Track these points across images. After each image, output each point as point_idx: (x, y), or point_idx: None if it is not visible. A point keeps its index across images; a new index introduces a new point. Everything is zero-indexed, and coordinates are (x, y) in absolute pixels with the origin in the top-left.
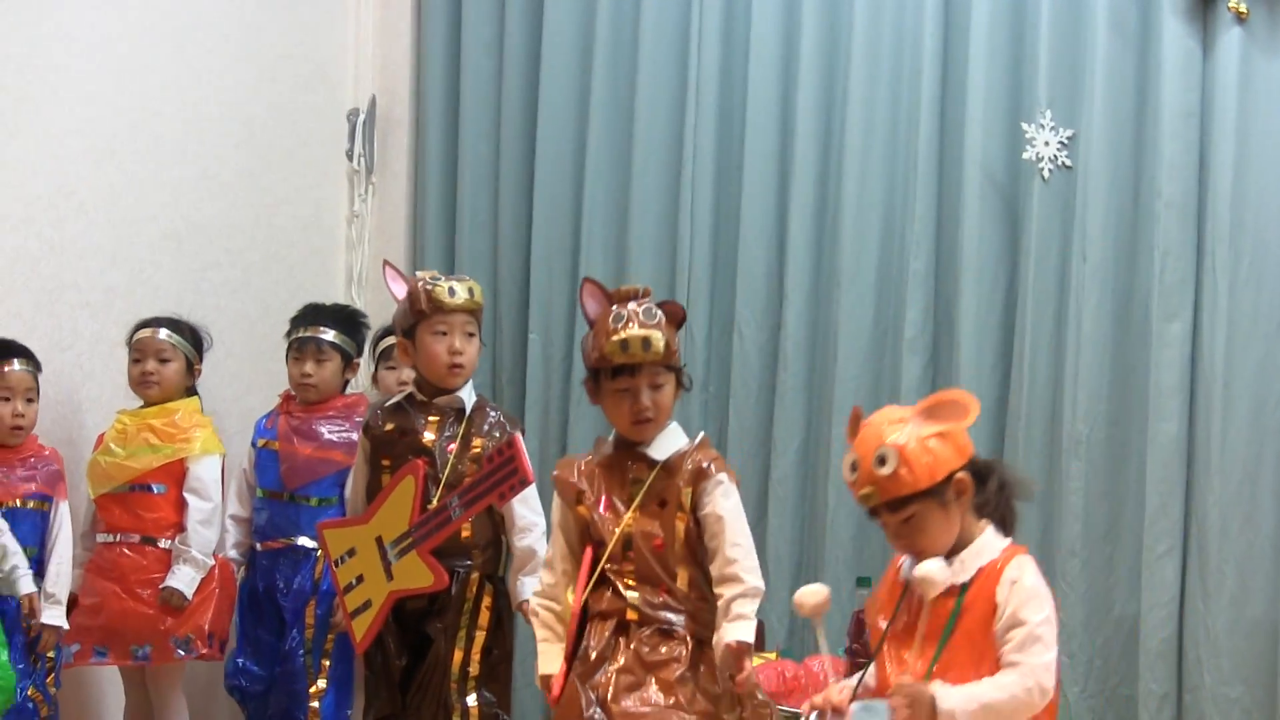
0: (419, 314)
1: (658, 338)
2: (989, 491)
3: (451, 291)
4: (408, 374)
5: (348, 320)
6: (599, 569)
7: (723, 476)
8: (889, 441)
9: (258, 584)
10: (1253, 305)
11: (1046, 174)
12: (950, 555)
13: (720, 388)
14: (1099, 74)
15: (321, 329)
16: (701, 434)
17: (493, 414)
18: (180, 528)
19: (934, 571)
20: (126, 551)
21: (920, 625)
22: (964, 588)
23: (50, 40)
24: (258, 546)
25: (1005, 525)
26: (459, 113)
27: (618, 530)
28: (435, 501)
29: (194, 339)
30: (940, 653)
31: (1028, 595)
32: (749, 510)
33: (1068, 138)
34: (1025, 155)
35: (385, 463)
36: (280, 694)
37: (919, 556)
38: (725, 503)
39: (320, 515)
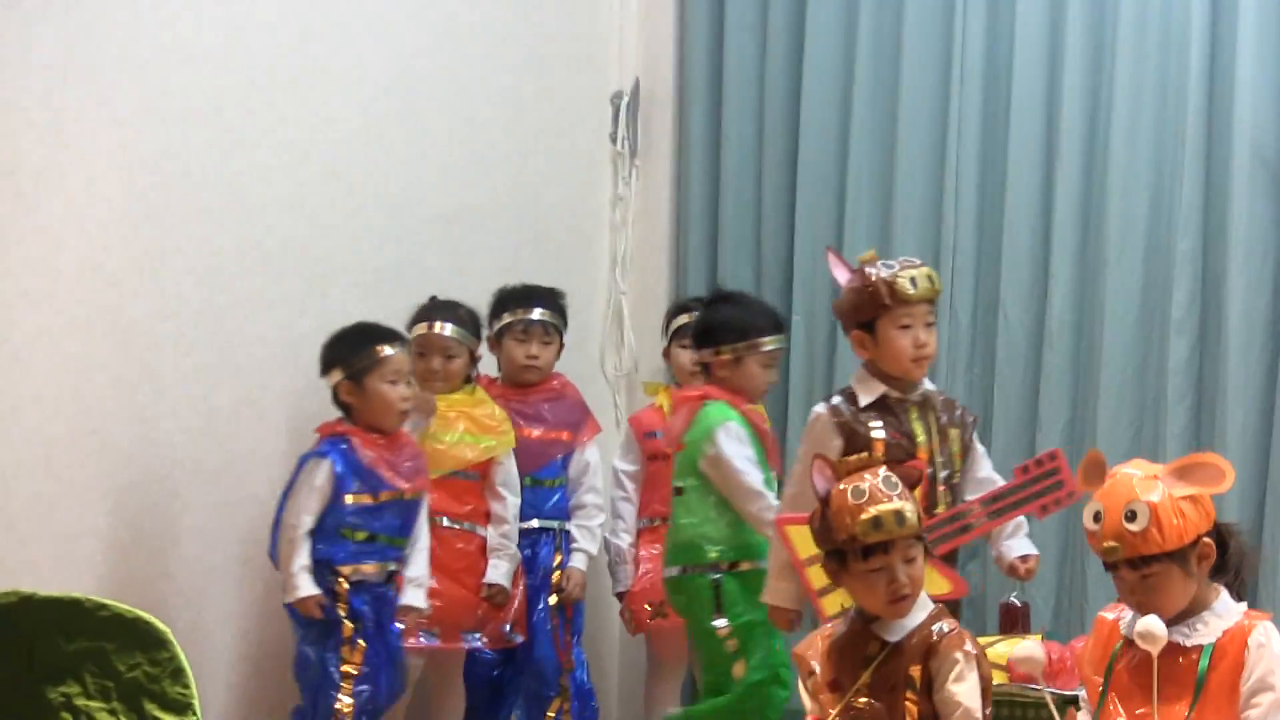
0: (881, 307)
1: (909, 510)
2: (1227, 557)
3: (913, 283)
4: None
5: (560, 301)
6: None
7: (958, 655)
8: (1142, 498)
9: None
10: None
11: None
12: (1183, 618)
13: (985, 368)
14: None
15: (546, 310)
16: (938, 606)
17: (952, 400)
18: (486, 516)
19: (1155, 627)
20: (456, 540)
21: (1155, 683)
22: (1208, 649)
23: (323, 25)
24: None
25: (1238, 592)
26: (722, 94)
27: (833, 715)
28: (941, 505)
29: (475, 328)
30: (1192, 711)
31: (1276, 661)
32: None
33: None
34: None
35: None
36: (530, 671)
37: (1148, 614)
38: (962, 688)
39: (553, 496)
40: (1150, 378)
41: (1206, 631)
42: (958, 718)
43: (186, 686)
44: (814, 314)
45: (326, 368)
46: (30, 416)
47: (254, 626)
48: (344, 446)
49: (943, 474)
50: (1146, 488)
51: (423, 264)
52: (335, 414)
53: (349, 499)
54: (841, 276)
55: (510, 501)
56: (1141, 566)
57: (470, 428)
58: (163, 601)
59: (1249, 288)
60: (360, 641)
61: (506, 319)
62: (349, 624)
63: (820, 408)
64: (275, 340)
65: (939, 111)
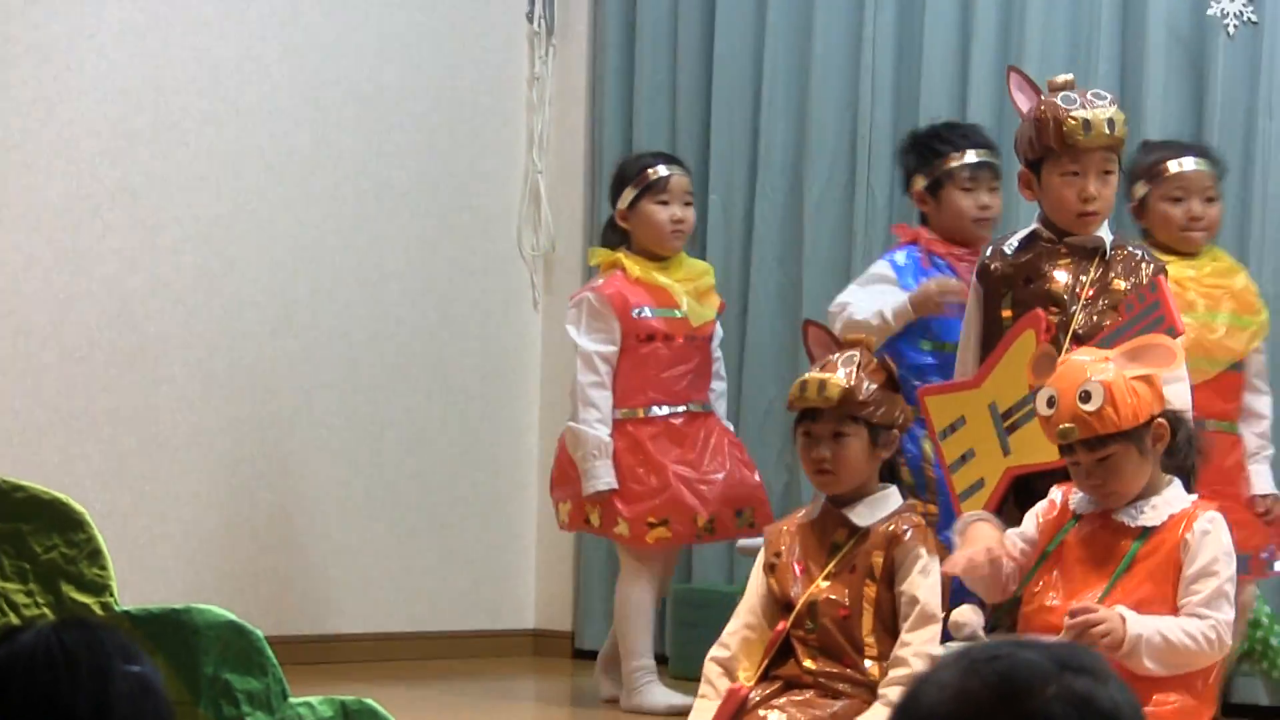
0: (1046, 149)
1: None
2: (1178, 444)
3: (1086, 126)
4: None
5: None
6: (783, 635)
7: (921, 550)
8: (1095, 379)
9: None
10: None
11: (1232, 30)
12: (1136, 501)
13: None
14: None
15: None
16: (909, 500)
17: (1138, 252)
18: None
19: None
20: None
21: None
22: (1146, 531)
23: None
24: None
25: (1187, 481)
26: None
27: (803, 596)
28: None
29: None
30: (1112, 585)
31: (1222, 550)
32: None
33: None
34: (1210, 11)
35: (1006, 315)
36: None
37: (1108, 500)
38: (924, 583)
39: None
40: None
41: (1152, 515)
42: (916, 612)
43: (104, 568)
44: (731, 192)
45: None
46: None
47: (169, 509)
48: None
49: (1078, 324)
50: (1099, 369)
51: (339, 145)
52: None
53: None
54: (1022, 102)
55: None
56: (1098, 448)
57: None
58: (79, 483)
59: None
60: None
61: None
62: None
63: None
64: (189, 221)
65: None
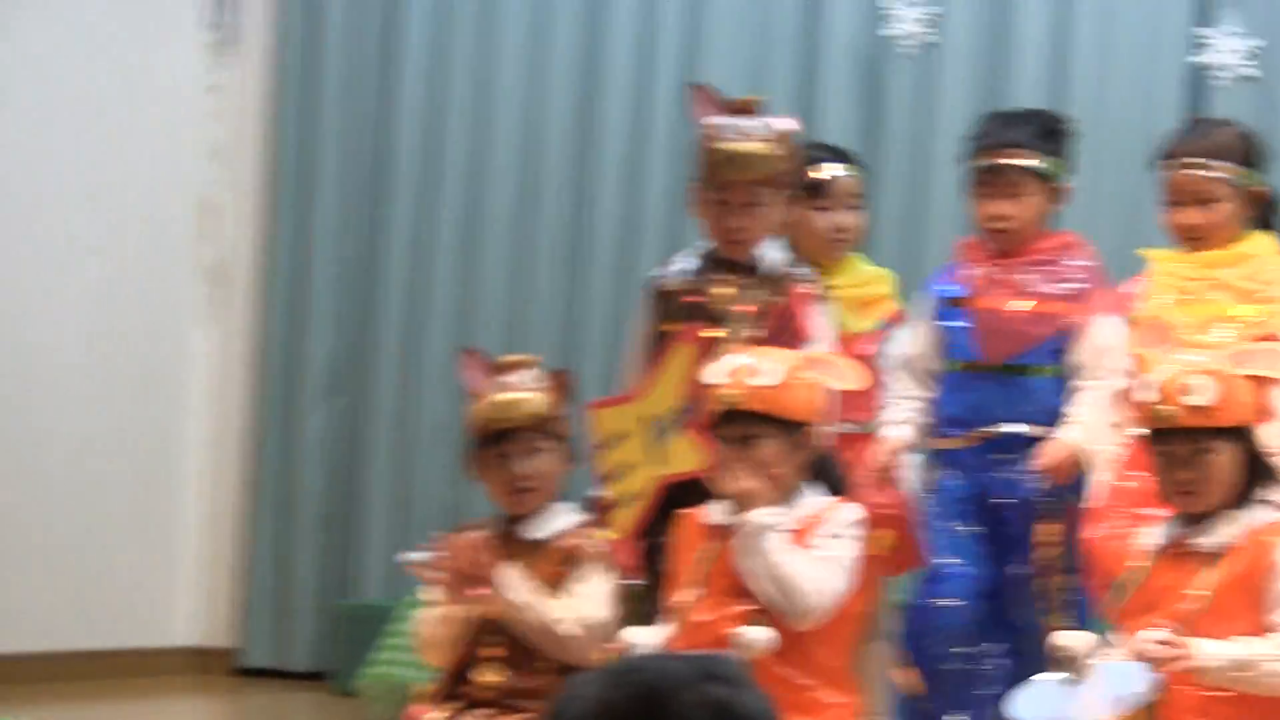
0: (701, 174)
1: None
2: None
3: (731, 161)
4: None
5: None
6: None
7: (592, 564)
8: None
9: None
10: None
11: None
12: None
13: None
14: None
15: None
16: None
17: (793, 269)
18: None
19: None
20: None
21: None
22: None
23: None
24: None
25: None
26: None
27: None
28: None
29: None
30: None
31: None
32: None
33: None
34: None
35: (667, 329)
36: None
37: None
38: (585, 590)
39: None
40: None
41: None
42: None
43: None
44: (419, 201)
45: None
46: None
47: None
48: None
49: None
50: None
51: (11, 148)
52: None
53: None
54: (702, 119)
55: None
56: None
57: None
58: None
59: None
60: None
61: None
62: None
63: None
64: None
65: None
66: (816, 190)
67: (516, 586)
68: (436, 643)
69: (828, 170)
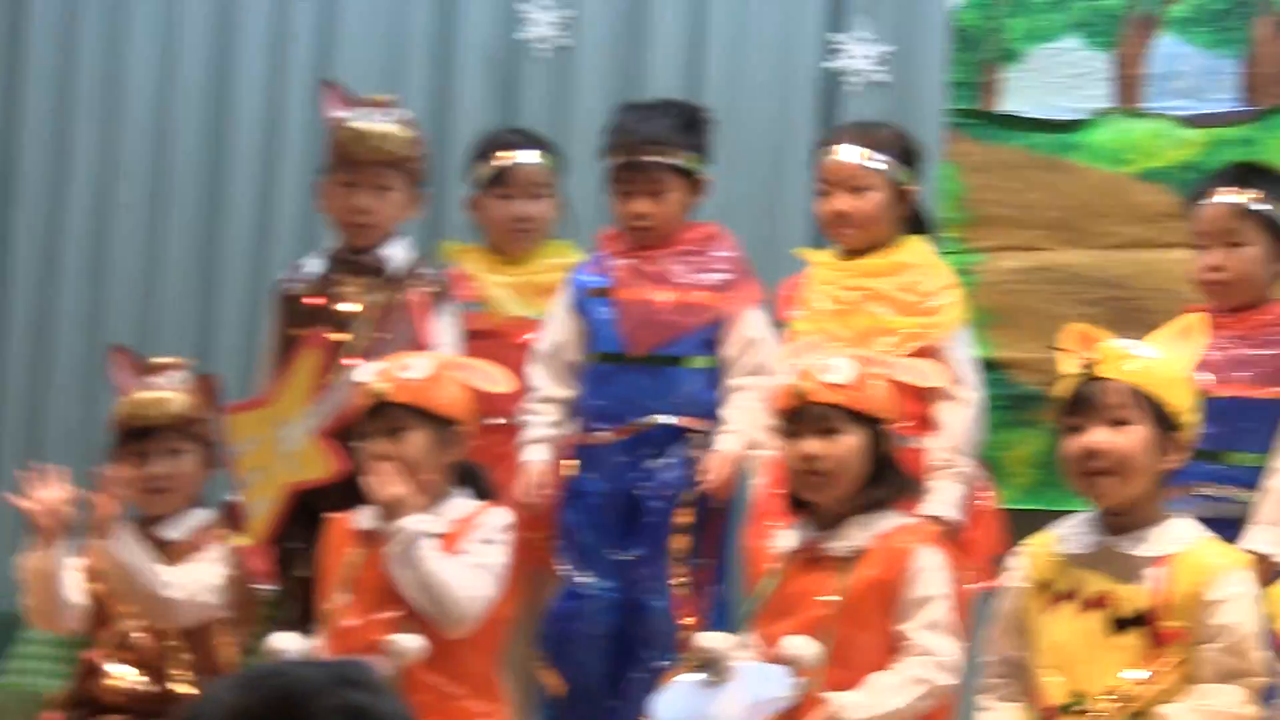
0: (330, 159)
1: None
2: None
3: (359, 137)
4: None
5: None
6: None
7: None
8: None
9: None
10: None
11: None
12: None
13: None
14: None
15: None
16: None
17: (422, 271)
18: None
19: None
20: None
21: None
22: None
23: None
24: None
25: None
26: None
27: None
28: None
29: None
30: None
31: None
32: None
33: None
34: (518, 35)
35: (294, 333)
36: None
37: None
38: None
39: None
40: None
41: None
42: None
43: None
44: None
45: None
46: None
47: None
48: None
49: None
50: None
51: None
52: None
53: None
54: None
55: None
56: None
57: None
58: None
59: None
60: None
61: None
62: None
63: None
64: None
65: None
66: (499, 178)
67: (130, 546)
68: (39, 600)
69: (511, 157)
